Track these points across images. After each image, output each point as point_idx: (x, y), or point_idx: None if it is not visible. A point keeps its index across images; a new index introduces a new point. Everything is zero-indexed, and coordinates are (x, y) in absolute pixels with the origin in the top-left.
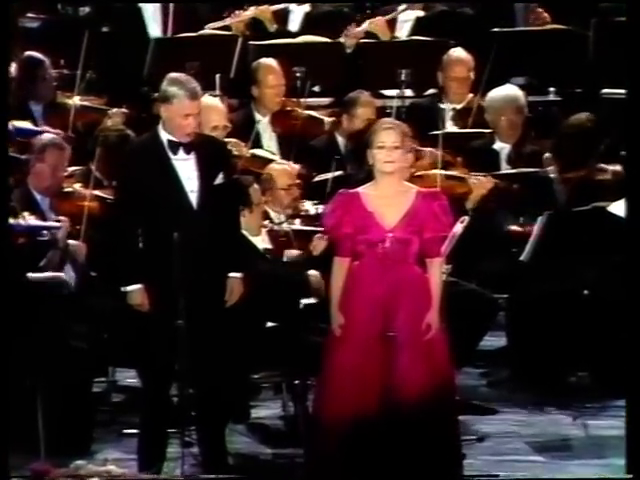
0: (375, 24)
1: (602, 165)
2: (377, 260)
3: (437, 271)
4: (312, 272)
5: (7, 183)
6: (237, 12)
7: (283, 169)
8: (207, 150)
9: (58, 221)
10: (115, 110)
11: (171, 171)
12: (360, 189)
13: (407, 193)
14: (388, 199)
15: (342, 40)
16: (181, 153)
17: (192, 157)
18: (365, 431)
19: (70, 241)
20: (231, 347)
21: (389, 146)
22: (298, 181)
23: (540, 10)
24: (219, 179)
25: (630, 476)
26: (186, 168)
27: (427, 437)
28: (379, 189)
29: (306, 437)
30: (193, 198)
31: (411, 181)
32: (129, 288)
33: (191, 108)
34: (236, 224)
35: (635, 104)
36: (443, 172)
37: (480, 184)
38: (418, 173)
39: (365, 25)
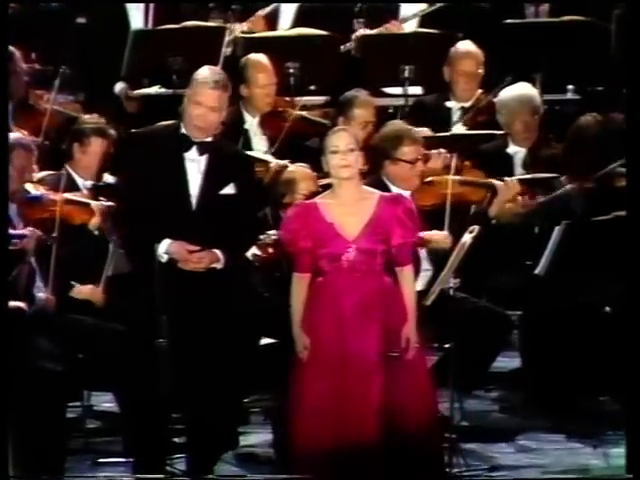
0: (390, 27)
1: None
2: (342, 274)
3: (409, 280)
4: None
5: (7, 184)
6: (229, 25)
7: (306, 173)
8: (222, 156)
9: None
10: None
11: (178, 167)
12: (318, 199)
13: (368, 199)
14: (348, 207)
15: (349, 46)
16: (193, 152)
17: (203, 159)
18: (346, 460)
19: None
20: (220, 368)
21: (343, 149)
22: (320, 189)
23: None
24: (228, 189)
25: (630, 476)
26: (194, 169)
27: (413, 464)
28: (337, 197)
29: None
30: (194, 202)
31: (419, 188)
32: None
33: (204, 96)
34: (242, 239)
35: (635, 104)
36: (456, 177)
37: (507, 187)
38: (427, 179)
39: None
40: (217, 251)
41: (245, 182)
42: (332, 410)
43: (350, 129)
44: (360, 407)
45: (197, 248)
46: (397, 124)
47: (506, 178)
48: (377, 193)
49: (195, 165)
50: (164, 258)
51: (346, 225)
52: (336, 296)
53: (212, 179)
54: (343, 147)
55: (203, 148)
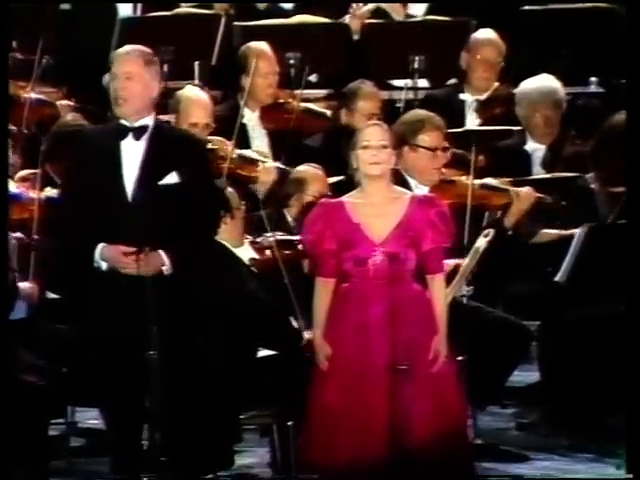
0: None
1: None
2: (368, 280)
3: (440, 289)
4: None
5: (6, 182)
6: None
7: (318, 174)
8: (163, 141)
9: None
10: (64, 103)
11: (113, 157)
12: (344, 198)
13: (399, 200)
14: (377, 208)
15: (347, 21)
16: (129, 139)
17: (141, 145)
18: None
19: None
20: (213, 382)
21: (375, 145)
22: (329, 192)
23: None
24: (170, 178)
25: (630, 476)
26: (131, 157)
27: None
28: (366, 196)
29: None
30: (129, 190)
31: (438, 185)
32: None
33: (118, 66)
34: (191, 237)
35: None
36: (478, 181)
37: (522, 197)
38: (448, 178)
39: (372, 5)
40: (161, 252)
41: (192, 170)
42: (353, 424)
43: (384, 124)
44: (382, 421)
45: (132, 250)
46: (419, 111)
47: (520, 188)
48: (409, 193)
49: (133, 153)
50: (103, 266)
51: (374, 227)
52: (361, 304)
53: (150, 167)
54: (375, 142)
55: (140, 132)
